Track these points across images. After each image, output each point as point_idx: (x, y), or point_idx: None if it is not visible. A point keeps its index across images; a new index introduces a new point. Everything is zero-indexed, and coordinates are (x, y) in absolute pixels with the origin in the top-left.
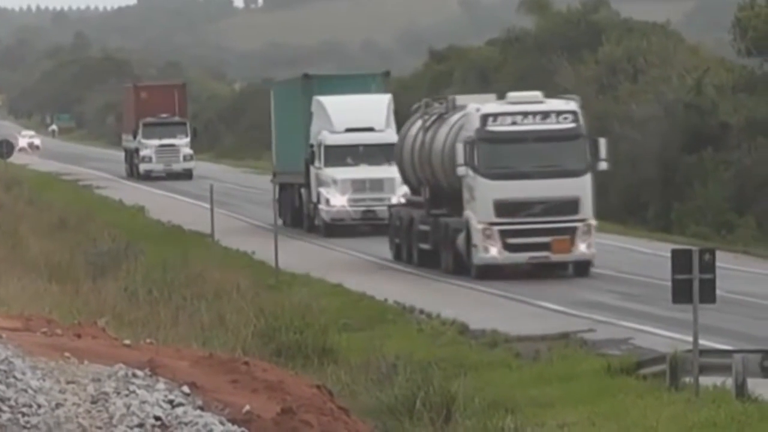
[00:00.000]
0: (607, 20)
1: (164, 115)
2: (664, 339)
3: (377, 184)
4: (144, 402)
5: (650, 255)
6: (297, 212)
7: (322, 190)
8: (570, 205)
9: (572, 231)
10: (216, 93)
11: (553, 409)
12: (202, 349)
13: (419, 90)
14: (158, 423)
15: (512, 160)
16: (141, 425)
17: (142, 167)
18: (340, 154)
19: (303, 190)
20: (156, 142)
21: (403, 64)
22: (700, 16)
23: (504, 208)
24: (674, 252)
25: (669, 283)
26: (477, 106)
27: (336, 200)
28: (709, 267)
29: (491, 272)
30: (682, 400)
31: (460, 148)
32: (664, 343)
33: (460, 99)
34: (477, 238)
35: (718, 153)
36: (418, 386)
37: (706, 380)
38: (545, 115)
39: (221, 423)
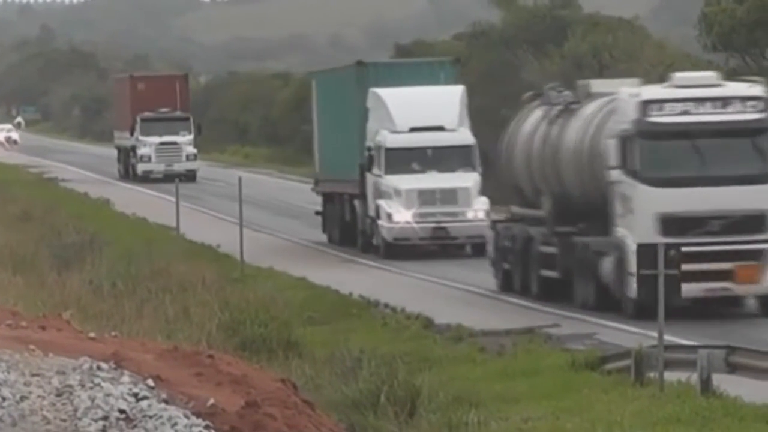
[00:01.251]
0: (573, 15)
1: (164, 110)
2: (629, 334)
3: (450, 196)
4: (109, 395)
5: None
6: (348, 228)
7: (383, 203)
8: (758, 221)
9: (761, 255)
10: None
11: (517, 404)
12: (167, 342)
13: None
14: (123, 416)
15: (684, 162)
16: (105, 418)
17: (141, 168)
18: (403, 159)
19: (357, 202)
20: (156, 139)
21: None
22: (666, 12)
23: (672, 224)
24: (640, 247)
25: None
26: (633, 90)
27: (399, 215)
28: (674, 263)
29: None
30: (646, 396)
31: (612, 145)
32: (629, 339)
33: (596, 85)
34: (636, 264)
35: None
36: (383, 380)
37: (671, 376)
38: (726, 101)
39: (186, 416)
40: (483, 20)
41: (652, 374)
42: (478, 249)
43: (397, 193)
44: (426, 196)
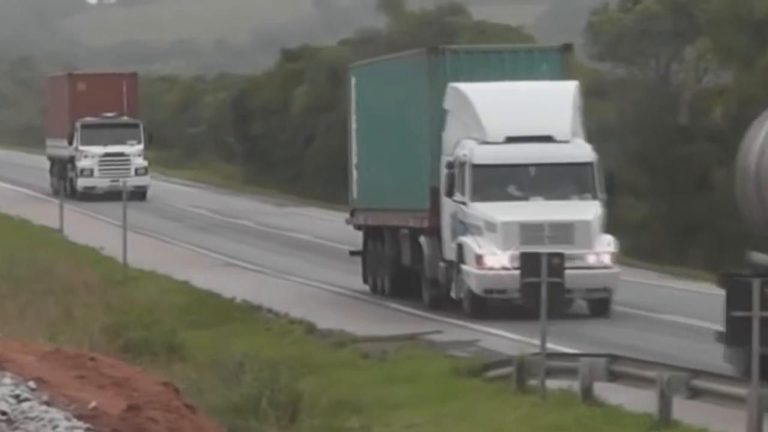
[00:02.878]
0: (461, 22)
1: (109, 114)
2: (511, 342)
3: (564, 232)
4: None
5: None
6: (406, 275)
7: (469, 241)
8: None
9: None
10: None
11: (399, 410)
12: (49, 344)
13: (271, 89)
14: (4, 418)
15: None
16: None
17: (81, 183)
18: (498, 180)
19: (424, 240)
20: (99, 149)
21: (257, 62)
22: (552, 20)
23: None
24: (523, 255)
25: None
26: None
27: (494, 258)
28: (557, 270)
29: None
30: (528, 403)
31: None
32: (512, 346)
33: None
34: None
35: None
36: (265, 385)
37: (552, 384)
38: None
39: (67, 419)
40: (370, 26)
41: (534, 382)
42: (599, 306)
43: (490, 226)
44: (531, 232)
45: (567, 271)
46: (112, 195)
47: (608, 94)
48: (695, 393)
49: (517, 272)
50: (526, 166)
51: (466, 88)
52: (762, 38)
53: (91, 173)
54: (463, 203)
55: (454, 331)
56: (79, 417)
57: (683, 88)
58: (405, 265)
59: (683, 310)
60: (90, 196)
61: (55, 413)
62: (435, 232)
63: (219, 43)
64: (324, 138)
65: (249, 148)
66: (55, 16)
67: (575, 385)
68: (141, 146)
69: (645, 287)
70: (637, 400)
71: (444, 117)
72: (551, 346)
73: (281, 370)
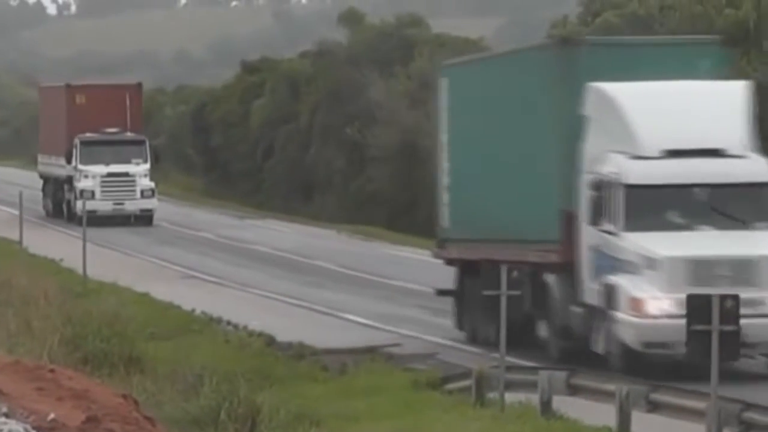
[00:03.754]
0: (420, 35)
1: (112, 130)
2: (470, 354)
3: (743, 269)
4: None
5: None
6: (521, 323)
7: (621, 282)
8: None
9: None
10: (27, 99)
11: (358, 423)
12: (8, 355)
13: (231, 101)
14: None
15: None
16: None
17: (79, 205)
18: (657, 204)
19: (552, 279)
20: (101, 169)
21: (216, 74)
22: (512, 32)
23: None
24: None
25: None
26: None
27: (656, 303)
28: (517, 283)
29: None
30: (487, 416)
31: None
32: (471, 359)
33: None
34: None
35: None
36: (224, 397)
37: (511, 397)
38: None
39: (26, 430)
40: (329, 38)
41: (493, 395)
42: None
43: (650, 263)
44: (702, 270)
45: (745, 320)
46: (115, 220)
47: None
48: (654, 406)
49: (684, 321)
50: (692, 186)
51: (613, 89)
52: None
53: (92, 195)
54: (613, 233)
55: (413, 343)
56: (38, 429)
57: None
58: (523, 310)
59: None
60: (90, 220)
61: (13, 425)
62: (567, 269)
63: (179, 54)
64: (283, 150)
65: (208, 160)
66: (15, 26)
67: (534, 399)
68: (147, 165)
69: None
70: (596, 414)
71: (581, 125)
72: (510, 359)
73: (240, 383)
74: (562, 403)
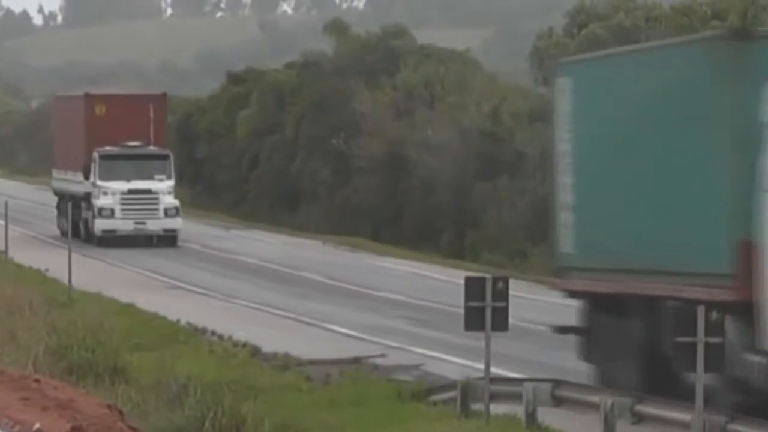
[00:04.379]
0: (406, 46)
1: (134, 143)
2: (455, 366)
3: None
4: None
5: (443, 281)
6: (664, 367)
7: None
8: None
9: None
10: (12, 109)
11: None
12: None
13: (216, 111)
14: None
15: None
16: None
17: (99, 225)
18: None
19: (731, 322)
20: (121, 185)
21: (202, 85)
22: (498, 44)
23: None
24: (467, 279)
25: (462, 310)
26: None
27: None
28: (502, 295)
29: None
30: (472, 428)
31: None
32: (456, 370)
33: None
34: None
35: (513, 181)
36: (208, 407)
37: (496, 408)
38: None
39: None
40: (315, 49)
41: (478, 406)
42: None
43: None
44: None
45: None
46: (136, 240)
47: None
48: (639, 418)
49: None
50: None
51: None
52: None
53: (111, 213)
54: None
55: (398, 354)
56: None
57: None
58: (668, 353)
59: None
60: (109, 240)
61: None
62: (744, 308)
63: (164, 65)
64: (268, 161)
65: (194, 171)
66: (1, 36)
67: (519, 410)
68: (171, 182)
69: None
70: (582, 426)
71: (761, 134)
72: (495, 370)
73: (225, 393)
74: (547, 415)
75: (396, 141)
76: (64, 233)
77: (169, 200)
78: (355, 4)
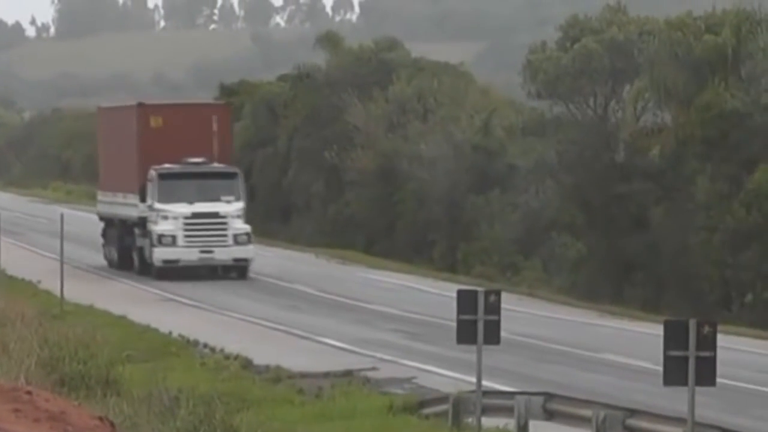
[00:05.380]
0: (399, 59)
1: (197, 160)
2: (447, 379)
3: None
4: None
5: (435, 294)
6: None
7: None
8: None
9: None
10: (4, 121)
11: None
12: None
13: None
14: None
15: None
16: None
17: (159, 254)
18: None
19: None
20: (184, 208)
21: (194, 97)
22: (491, 58)
23: None
24: (460, 292)
25: (454, 323)
26: None
27: None
28: (494, 308)
29: None
30: None
31: None
32: (448, 383)
33: None
34: None
35: (505, 195)
36: (200, 420)
37: (488, 421)
38: None
39: None
40: (308, 62)
41: (469, 419)
42: None
43: None
44: None
45: None
46: (201, 272)
47: (546, 132)
48: None
49: None
50: None
51: None
52: (700, 78)
53: (173, 241)
54: None
55: (390, 367)
56: None
57: (621, 127)
58: None
59: (620, 349)
60: (169, 272)
61: None
62: None
63: (157, 77)
64: (261, 173)
65: None
66: None
67: (511, 423)
68: (240, 204)
69: (583, 326)
70: None
71: None
72: (487, 383)
73: (217, 405)
74: (539, 428)
75: (389, 154)
76: (112, 264)
77: (239, 225)
78: (348, 17)
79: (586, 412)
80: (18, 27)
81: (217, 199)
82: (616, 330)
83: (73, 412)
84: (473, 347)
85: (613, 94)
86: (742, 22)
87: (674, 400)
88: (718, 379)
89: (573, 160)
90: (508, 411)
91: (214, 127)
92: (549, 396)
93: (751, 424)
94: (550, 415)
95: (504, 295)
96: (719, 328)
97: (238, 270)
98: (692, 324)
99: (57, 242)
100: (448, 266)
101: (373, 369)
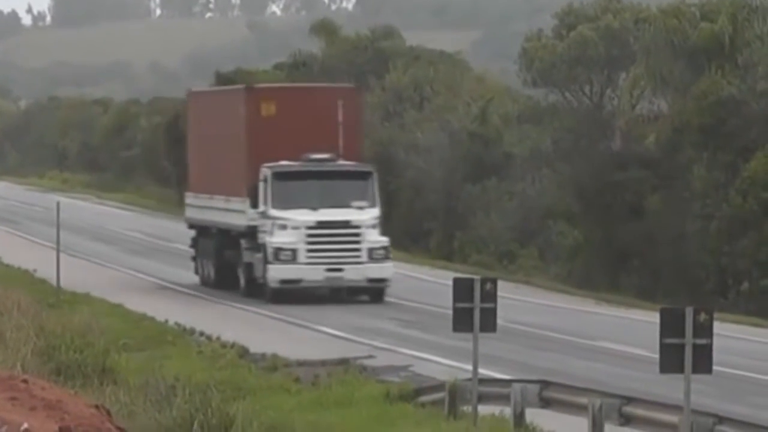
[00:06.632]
0: (395, 48)
1: (321, 156)
2: (443, 367)
3: None
4: None
5: (432, 283)
6: None
7: None
8: None
9: None
10: (1, 110)
11: None
12: None
13: None
14: None
15: None
16: None
17: (276, 272)
18: None
19: None
20: (307, 216)
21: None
22: (487, 46)
23: None
24: (456, 280)
25: (450, 311)
26: None
27: None
28: (490, 296)
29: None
30: (460, 429)
31: None
32: (444, 371)
33: None
34: None
35: (501, 183)
36: (197, 408)
37: (484, 409)
38: None
39: None
40: (304, 50)
41: (465, 407)
42: None
43: None
44: None
45: None
46: (328, 296)
47: (542, 120)
48: (627, 419)
49: None
50: None
51: None
52: (696, 65)
53: (293, 257)
54: None
55: (386, 356)
56: None
57: (617, 115)
58: None
59: (616, 337)
60: (287, 294)
61: None
62: None
63: (153, 66)
64: None
65: (183, 172)
66: None
67: (507, 411)
68: (376, 211)
69: (579, 314)
70: (570, 427)
71: None
72: (483, 371)
73: (213, 394)
74: (536, 416)
75: (385, 143)
76: (206, 282)
77: (375, 237)
78: (344, 5)
79: (583, 400)
80: (14, 15)
81: (346, 205)
82: (612, 318)
83: (70, 401)
84: (469, 335)
85: (608, 82)
86: (738, 9)
87: (670, 387)
88: (715, 367)
89: (569, 149)
90: (504, 399)
91: (340, 114)
92: (545, 384)
93: (748, 412)
94: (546, 403)
95: (500, 283)
96: (715, 315)
97: (371, 292)
98: (689, 312)
99: (53, 231)
100: (445, 255)
101: (370, 357)
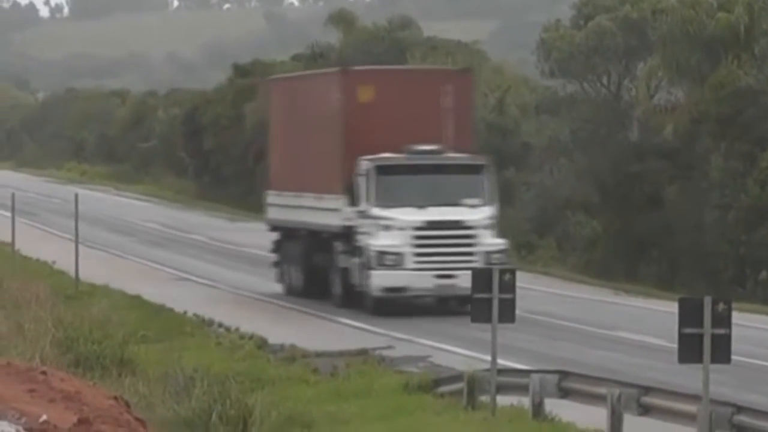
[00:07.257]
0: (412, 38)
1: (429, 147)
2: (462, 357)
3: None
4: None
5: None
6: None
7: None
8: None
9: None
10: (19, 102)
11: (349, 426)
12: (0, 357)
13: (223, 104)
14: None
15: None
16: None
17: (379, 279)
18: None
19: None
20: (413, 215)
21: (208, 77)
22: (505, 36)
23: None
24: (475, 271)
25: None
26: None
27: None
28: (509, 287)
29: None
30: (478, 419)
31: None
32: (462, 362)
33: None
34: None
35: (519, 173)
36: (215, 399)
37: (503, 399)
38: None
39: None
40: (322, 41)
41: (484, 398)
42: None
43: None
44: None
45: None
46: (435, 308)
47: (560, 111)
48: (646, 410)
49: None
50: None
51: None
52: (713, 56)
53: (398, 261)
54: None
55: (405, 346)
56: (30, 430)
57: (635, 105)
58: None
59: (635, 327)
60: (391, 304)
61: (5, 426)
62: None
63: (171, 57)
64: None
65: (201, 163)
66: (7, 29)
67: (526, 402)
68: (490, 209)
69: (597, 304)
70: (588, 417)
71: None
72: (502, 362)
73: (231, 385)
74: (554, 406)
75: None
76: (292, 290)
77: (489, 239)
78: None
79: (601, 390)
80: (32, 7)
81: (457, 203)
82: (630, 308)
83: (88, 392)
84: (488, 326)
85: (626, 72)
86: None
87: (689, 377)
88: (733, 357)
89: (587, 139)
90: (522, 389)
91: (450, 101)
92: (564, 374)
93: (766, 401)
94: (564, 393)
95: (519, 274)
96: (733, 305)
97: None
98: (707, 301)
99: (71, 222)
100: None
101: (389, 348)
